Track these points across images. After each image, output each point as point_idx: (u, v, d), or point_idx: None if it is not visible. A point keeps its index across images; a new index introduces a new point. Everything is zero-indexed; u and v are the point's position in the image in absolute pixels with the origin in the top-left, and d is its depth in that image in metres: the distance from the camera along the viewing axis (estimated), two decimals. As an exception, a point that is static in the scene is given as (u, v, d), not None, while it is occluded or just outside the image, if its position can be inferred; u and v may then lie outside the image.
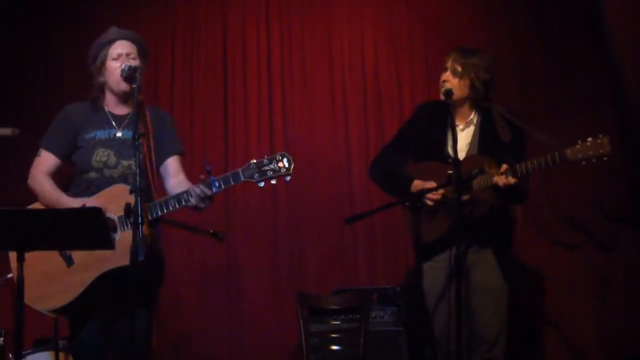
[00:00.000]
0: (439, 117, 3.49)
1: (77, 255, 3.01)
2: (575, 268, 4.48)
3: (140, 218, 2.71)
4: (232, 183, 2.93)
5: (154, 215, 2.97)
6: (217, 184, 2.89)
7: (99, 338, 3.04)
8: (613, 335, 4.33)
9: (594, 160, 3.19)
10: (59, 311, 3.04)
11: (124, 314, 2.86)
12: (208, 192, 2.91)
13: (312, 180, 4.85)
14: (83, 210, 2.88)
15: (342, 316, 4.12)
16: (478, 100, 3.51)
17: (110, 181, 3.10)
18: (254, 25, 5.07)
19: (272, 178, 2.92)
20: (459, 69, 3.46)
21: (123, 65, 3.08)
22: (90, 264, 2.96)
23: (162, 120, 3.26)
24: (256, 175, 2.91)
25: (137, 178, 2.74)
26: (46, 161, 3.17)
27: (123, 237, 2.96)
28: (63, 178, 3.26)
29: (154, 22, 5.17)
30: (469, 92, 3.49)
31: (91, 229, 2.73)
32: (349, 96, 4.92)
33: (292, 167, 2.92)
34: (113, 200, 2.98)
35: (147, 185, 3.04)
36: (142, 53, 3.22)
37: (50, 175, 3.16)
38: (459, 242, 3.14)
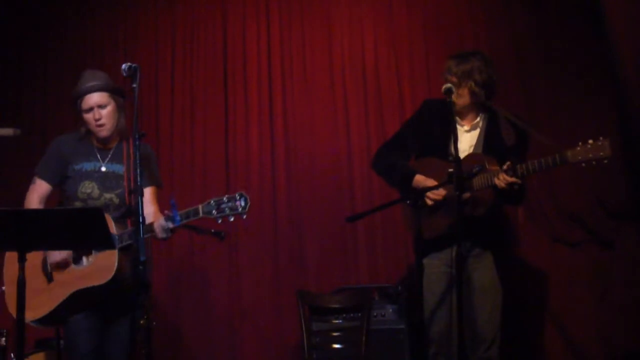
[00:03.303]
0: (442, 114, 3.49)
1: (56, 273, 3.27)
2: (576, 265, 4.47)
3: (141, 217, 2.81)
4: (192, 218, 3.17)
5: (124, 243, 3.19)
6: (178, 219, 3.15)
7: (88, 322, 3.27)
8: (614, 332, 4.32)
9: (593, 162, 3.20)
10: (37, 322, 3.30)
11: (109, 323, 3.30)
12: (170, 225, 3.17)
13: (312, 178, 4.85)
14: (84, 210, 3.00)
15: (344, 314, 4.12)
16: (481, 103, 3.54)
17: None
18: (254, 23, 5.06)
19: (229, 215, 3.14)
20: (454, 79, 3.49)
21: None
22: (67, 282, 3.22)
23: (143, 153, 3.32)
24: (214, 212, 3.14)
25: (138, 178, 2.87)
26: (40, 188, 3.45)
27: (97, 259, 3.20)
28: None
29: (154, 22, 5.17)
30: (470, 99, 3.52)
31: (92, 229, 2.75)
32: (350, 94, 4.91)
33: (247, 207, 3.13)
34: None
35: (124, 214, 3.32)
36: (115, 91, 3.41)
37: (43, 200, 3.44)
38: (460, 242, 3.15)
